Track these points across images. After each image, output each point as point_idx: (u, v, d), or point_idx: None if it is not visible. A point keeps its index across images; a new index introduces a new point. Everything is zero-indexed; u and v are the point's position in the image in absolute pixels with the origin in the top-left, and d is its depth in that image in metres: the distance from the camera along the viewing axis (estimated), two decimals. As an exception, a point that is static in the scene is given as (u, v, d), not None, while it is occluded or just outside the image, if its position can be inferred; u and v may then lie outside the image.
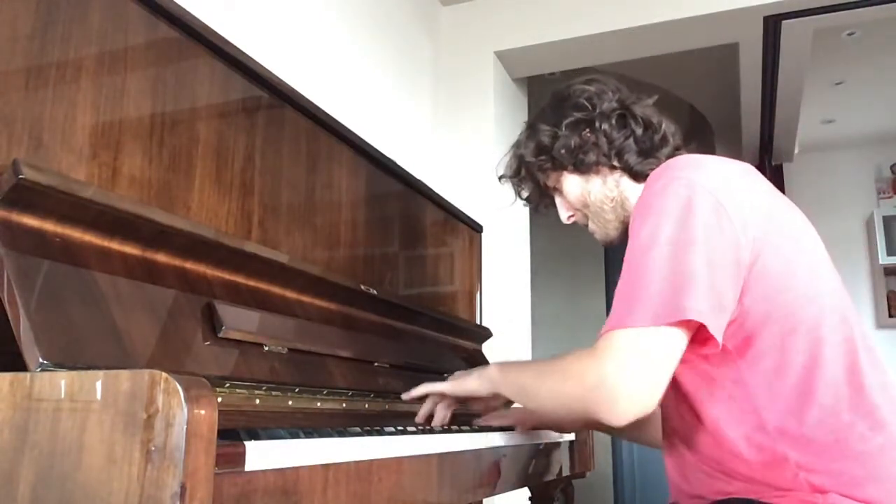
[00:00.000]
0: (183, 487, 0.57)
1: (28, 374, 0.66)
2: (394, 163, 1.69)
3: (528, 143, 1.25)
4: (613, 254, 5.14)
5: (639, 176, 1.18)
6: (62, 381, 0.64)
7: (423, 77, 2.83)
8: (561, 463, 1.59)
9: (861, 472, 0.93)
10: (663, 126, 1.19)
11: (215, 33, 1.15)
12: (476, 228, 2.18)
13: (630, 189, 1.20)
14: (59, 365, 0.71)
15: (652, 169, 1.16)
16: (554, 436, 1.52)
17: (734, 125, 3.97)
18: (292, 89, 1.32)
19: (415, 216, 1.82)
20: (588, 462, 1.74)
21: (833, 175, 4.64)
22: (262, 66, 1.24)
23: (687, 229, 0.95)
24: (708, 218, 0.96)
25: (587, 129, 1.18)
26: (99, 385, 0.62)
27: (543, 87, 3.39)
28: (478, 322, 2.13)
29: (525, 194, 1.33)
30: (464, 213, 2.10)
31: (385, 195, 1.67)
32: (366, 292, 1.41)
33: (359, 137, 1.53)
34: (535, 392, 1.08)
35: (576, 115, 1.19)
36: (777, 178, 4.43)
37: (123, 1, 1.00)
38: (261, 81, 1.25)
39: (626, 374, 0.90)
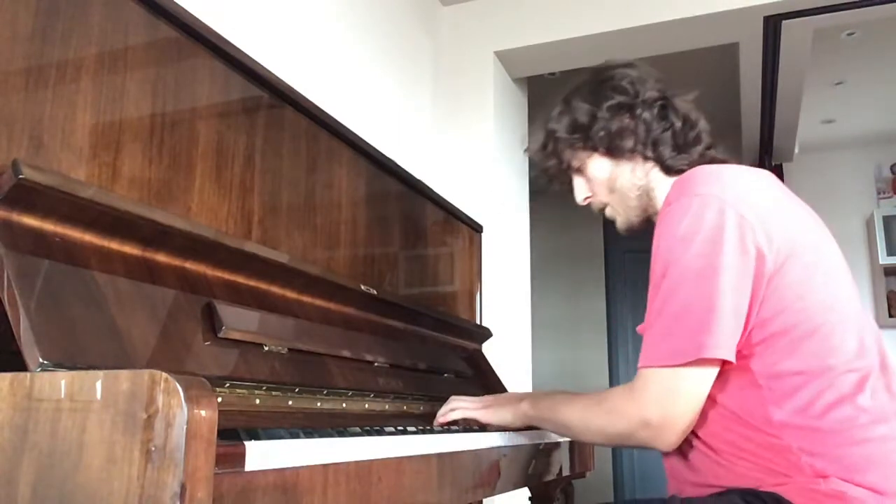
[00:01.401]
0: (183, 487, 0.57)
1: (28, 374, 0.66)
2: (394, 163, 1.69)
3: (562, 119, 1.22)
4: (613, 254, 5.14)
5: (670, 170, 1.17)
6: (62, 381, 0.64)
7: (423, 77, 2.83)
8: (561, 463, 1.59)
9: (863, 458, 0.94)
10: (700, 123, 1.19)
11: (215, 33, 1.15)
12: (476, 228, 2.18)
13: (658, 181, 1.18)
14: (59, 365, 0.71)
15: (683, 164, 1.16)
16: (554, 436, 1.52)
17: (734, 125, 3.97)
18: (292, 89, 1.32)
19: (415, 216, 1.82)
20: (588, 462, 1.74)
21: (833, 175, 4.64)
22: (262, 66, 1.24)
23: (713, 254, 0.97)
24: (733, 237, 0.98)
25: (627, 115, 1.17)
26: (99, 385, 0.62)
27: (543, 87, 3.39)
28: (478, 322, 2.13)
29: (546, 167, 1.29)
30: (464, 213, 2.10)
31: (385, 195, 1.67)
32: (366, 292, 1.41)
33: (359, 137, 1.53)
34: (581, 429, 1.15)
35: (618, 99, 1.17)
36: (777, 178, 4.43)
37: (123, 1, 1.00)
38: (261, 81, 1.25)
39: (667, 412, 1.00)
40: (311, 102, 1.38)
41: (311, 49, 2.10)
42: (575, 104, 1.21)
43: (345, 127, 1.48)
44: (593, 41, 2.83)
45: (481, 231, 2.22)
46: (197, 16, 1.11)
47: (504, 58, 2.98)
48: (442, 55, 2.98)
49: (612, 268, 5.14)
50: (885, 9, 2.68)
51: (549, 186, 1.33)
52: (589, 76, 1.24)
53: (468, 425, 1.32)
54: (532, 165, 1.30)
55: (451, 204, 2.01)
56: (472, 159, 2.84)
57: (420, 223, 1.85)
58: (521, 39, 2.90)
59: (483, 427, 1.31)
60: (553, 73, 3.29)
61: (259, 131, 1.24)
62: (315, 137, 1.40)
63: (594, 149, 1.20)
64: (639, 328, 1.13)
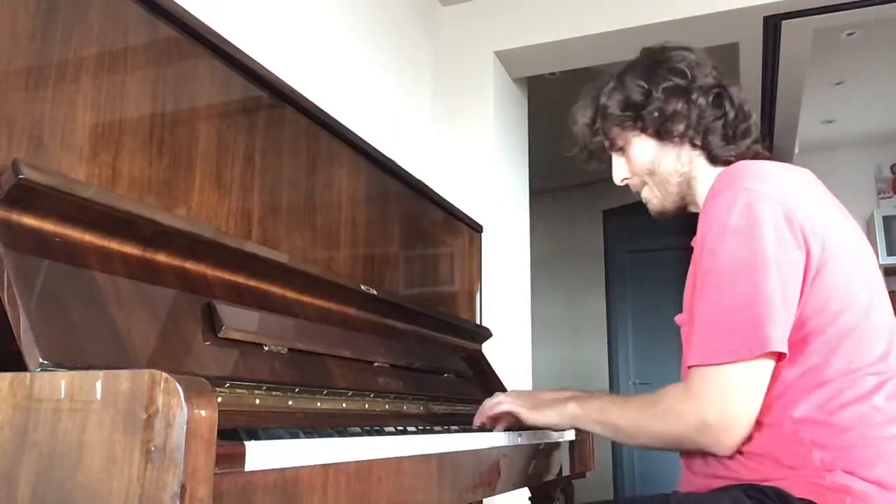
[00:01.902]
0: (183, 487, 0.57)
1: (28, 374, 0.66)
2: (394, 163, 1.69)
3: (615, 95, 1.19)
4: (613, 254, 5.14)
5: (716, 159, 1.16)
6: (62, 381, 0.64)
7: (423, 77, 2.83)
8: (561, 463, 1.59)
9: (872, 454, 0.95)
10: (752, 116, 1.17)
11: (215, 33, 1.15)
12: (476, 228, 2.18)
13: (702, 170, 1.17)
14: (59, 365, 0.71)
15: (731, 155, 1.15)
16: (554, 436, 1.52)
17: (734, 125, 3.96)
18: (292, 89, 1.32)
19: (415, 216, 1.82)
20: (588, 462, 1.74)
21: (833, 175, 4.60)
22: (262, 66, 1.24)
23: (765, 248, 0.96)
24: (780, 232, 0.97)
25: (682, 99, 1.14)
26: (99, 385, 0.62)
27: (543, 87, 3.39)
28: (478, 322, 2.13)
29: (588, 143, 1.26)
30: (464, 213, 2.10)
31: (385, 195, 1.67)
32: (366, 292, 1.41)
33: (359, 137, 1.53)
34: (632, 432, 1.10)
35: (674, 81, 1.14)
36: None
37: (123, 1, 1.00)
38: (261, 81, 1.25)
39: (728, 413, 0.96)
40: (311, 102, 1.38)
41: (311, 49, 2.10)
42: (629, 82, 1.18)
43: (345, 127, 1.48)
44: (593, 41, 2.83)
45: (481, 231, 2.22)
46: (197, 16, 1.11)
47: (504, 58, 2.98)
48: (442, 55, 2.98)
49: (612, 268, 5.14)
50: (885, 9, 2.68)
51: (586, 163, 1.30)
52: (645, 55, 1.21)
53: (517, 424, 1.30)
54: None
55: (451, 204, 2.01)
56: (472, 159, 2.84)
57: (420, 223, 1.85)
58: (521, 39, 2.91)
59: (487, 428, 1.31)
60: (553, 73, 3.29)
61: (259, 131, 1.24)
62: (315, 137, 1.40)
63: (643, 129, 1.18)
64: (678, 319, 1.12)
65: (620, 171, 1.24)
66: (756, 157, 1.17)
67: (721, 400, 0.96)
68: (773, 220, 0.97)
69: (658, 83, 1.15)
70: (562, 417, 1.21)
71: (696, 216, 1.14)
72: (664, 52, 1.19)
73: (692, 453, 1.09)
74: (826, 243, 0.99)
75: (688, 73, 1.15)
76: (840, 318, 0.98)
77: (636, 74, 1.18)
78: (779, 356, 0.97)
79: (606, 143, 1.23)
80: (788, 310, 0.96)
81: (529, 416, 1.25)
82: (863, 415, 0.96)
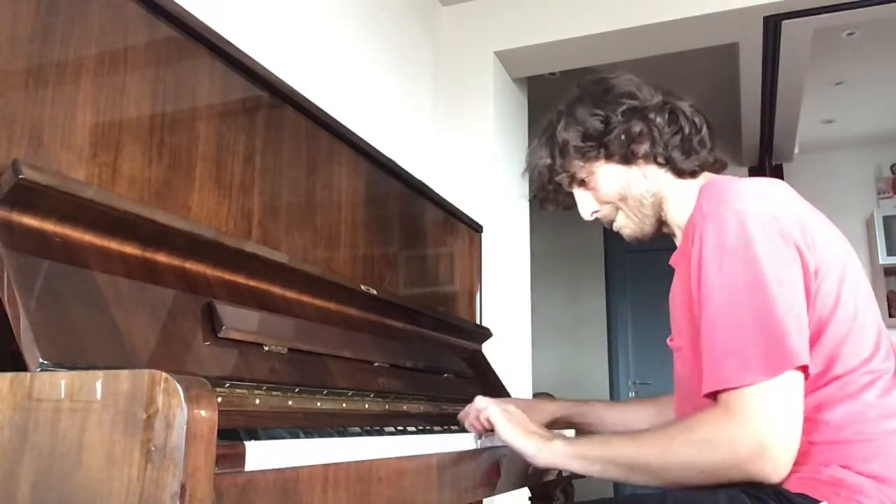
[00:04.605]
0: (183, 487, 0.57)
1: (28, 374, 0.66)
2: (394, 163, 1.69)
3: (572, 128, 1.18)
4: (613, 254, 5.14)
5: (682, 173, 1.16)
6: (62, 381, 0.64)
7: (423, 77, 2.83)
8: (561, 463, 1.58)
9: (869, 448, 0.95)
10: (703, 128, 1.18)
11: (215, 33, 1.15)
12: (476, 228, 2.18)
13: (670, 185, 1.17)
14: (59, 365, 0.71)
15: (695, 166, 1.16)
16: (554, 436, 1.52)
17: (734, 125, 3.97)
18: (292, 89, 1.32)
19: (415, 216, 1.82)
20: (588, 462, 1.74)
21: (833, 175, 4.64)
22: (262, 66, 1.24)
23: (763, 268, 0.96)
24: (785, 249, 0.97)
25: (641, 120, 1.15)
26: (99, 385, 0.62)
27: (543, 87, 3.39)
28: (478, 322, 2.13)
29: (547, 184, 1.25)
30: (464, 213, 2.10)
31: (385, 195, 1.67)
32: (366, 292, 1.41)
33: (359, 137, 1.53)
34: (661, 465, 0.98)
35: (629, 103, 1.15)
36: (777, 178, 4.44)
37: (123, 1, 1.00)
38: (261, 81, 1.25)
39: (782, 434, 0.90)
40: (311, 102, 1.38)
41: (311, 49, 2.10)
42: (581, 114, 1.18)
43: (345, 127, 1.48)
44: (593, 41, 2.83)
45: (481, 231, 2.22)
46: (197, 16, 1.11)
47: (504, 58, 2.98)
48: (442, 55, 2.98)
49: (612, 268, 5.15)
50: (885, 9, 2.69)
51: (542, 206, 1.30)
52: (586, 87, 1.22)
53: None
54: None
55: (451, 204, 2.01)
56: (472, 159, 2.84)
57: (420, 223, 1.85)
58: (521, 39, 2.91)
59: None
60: (553, 73, 3.30)
61: (259, 131, 1.24)
62: (315, 137, 1.40)
63: (608, 156, 1.17)
64: (671, 343, 1.11)
65: (588, 205, 1.23)
66: (716, 163, 1.19)
67: (773, 422, 0.90)
68: (769, 239, 0.97)
69: (613, 108, 1.16)
70: (539, 453, 1.06)
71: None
72: (606, 81, 1.20)
73: None
74: (818, 255, 1.00)
75: (637, 94, 1.16)
76: (834, 325, 0.99)
77: (587, 105, 1.18)
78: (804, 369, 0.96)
79: (567, 180, 1.22)
80: (803, 323, 0.96)
81: (506, 434, 1.10)
82: (856, 412, 0.96)
